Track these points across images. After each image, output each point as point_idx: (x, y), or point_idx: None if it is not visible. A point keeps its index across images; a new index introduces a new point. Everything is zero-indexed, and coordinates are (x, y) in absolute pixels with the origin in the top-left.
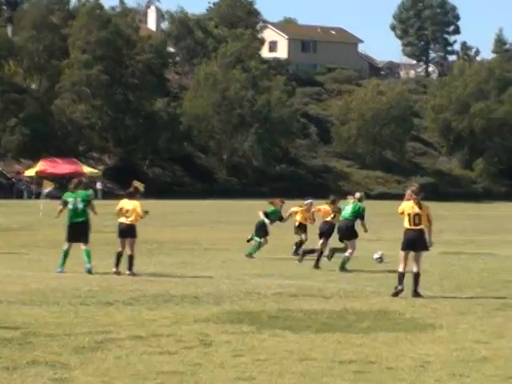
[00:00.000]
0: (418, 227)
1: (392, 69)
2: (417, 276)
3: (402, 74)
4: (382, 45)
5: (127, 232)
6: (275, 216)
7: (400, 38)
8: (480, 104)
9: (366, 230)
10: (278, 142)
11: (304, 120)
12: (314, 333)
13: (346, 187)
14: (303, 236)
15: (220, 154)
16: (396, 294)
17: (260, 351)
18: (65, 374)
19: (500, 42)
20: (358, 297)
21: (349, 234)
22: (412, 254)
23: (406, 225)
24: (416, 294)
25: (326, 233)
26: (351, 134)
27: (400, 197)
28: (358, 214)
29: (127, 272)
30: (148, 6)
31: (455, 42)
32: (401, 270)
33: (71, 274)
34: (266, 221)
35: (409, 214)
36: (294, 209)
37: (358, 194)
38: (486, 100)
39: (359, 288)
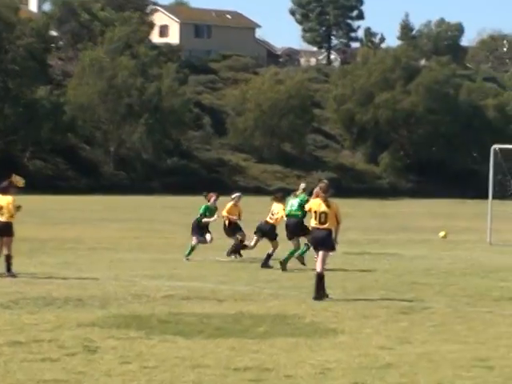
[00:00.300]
0: (324, 226)
1: (291, 56)
2: (320, 277)
3: (302, 61)
4: (281, 30)
5: (3, 230)
6: (211, 214)
7: (300, 23)
8: (385, 94)
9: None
10: (169, 133)
11: (197, 110)
12: (207, 338)
13: (242, 182)
14: (239, 235)
15: (107, 146)
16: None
17: (149, 358)
18: None
19: (406, 28)
20: (255, 300)
21: (298, 231)
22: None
23: (313, 223)
24: (319, 295)
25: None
26: (247, 125)
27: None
28: (303, 206)
29: (5, 273)
30: None
31: (359, 27)
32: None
33: None
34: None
35: (315, 212)
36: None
37: (302, 185)
38: (392, 90)
39: (256, 290)
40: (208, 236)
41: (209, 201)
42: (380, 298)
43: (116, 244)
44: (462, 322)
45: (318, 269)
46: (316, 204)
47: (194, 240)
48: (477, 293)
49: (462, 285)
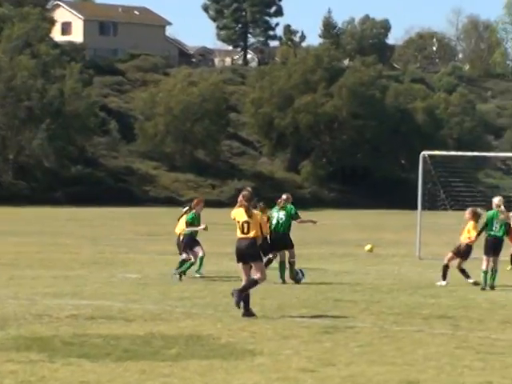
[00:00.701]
0: (247, 236)
1: (205, 56)
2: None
3: (217, 61)
4: (194, 28)
5: None
6: (198, 222)
7: (214, 20)
8: (306, 97)
9: (314, 221)
10: (72, 139)
11: (103, 114)
12: (115, 361)
13: (153, 192)
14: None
15: (5, 154)
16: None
17: (52, 383)
18: None
19: (328, 25)
20: (166, 319)
21: (288, 242)
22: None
23: (238, 233)
24: (248, 312)
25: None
26: (158, 130)
27: (214, 204)
28: (292, 216)
29: None
30: None
31: (277, 25)
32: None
33: None
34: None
35: (238, 222)
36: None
37: (284, 196)
38: (313, 93)
39: (167, 309)
40: (200, 251)
41: (194, 208)
42: (301, 317)
43: (15, 259)
44: (389, 342)
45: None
46: (239, 213)
47: (190, 256)
48: (405, 310)
49: (389, 302)
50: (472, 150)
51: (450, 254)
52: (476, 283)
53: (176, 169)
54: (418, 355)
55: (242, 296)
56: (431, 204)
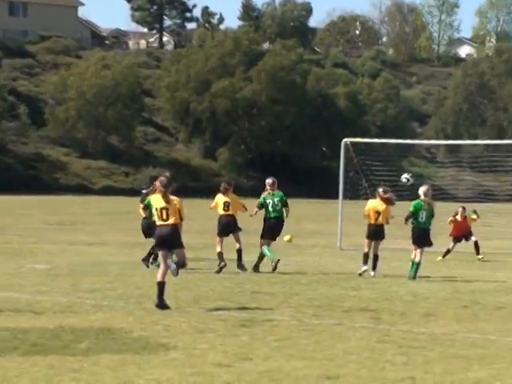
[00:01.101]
0: (167, 222)
1: (119, 38)
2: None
3: (131, 44)
4: (107, 9)
5: None
6: None
7: (128, 1)
8: (223, 81)
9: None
10: None
11: (12, 98)
12: (22, 356)
13: (64, 180)
14: None
15: None
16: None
17: None
18: None
19: (248, 7)
20: (77, 312)
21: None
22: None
23: (156, 220)
24: (161, 304)
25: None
26: (69, 115)
27: (128, 192)
28: (284, 202)
29: None
30: None
31: (195, 6)
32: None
33: None
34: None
35: (157, 209)
36: None
37: (270, 180)
38: (231, 77)
39: (78, 301)
40: None
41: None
42: (217, 309)
43: None
44: (308, 336)
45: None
46: (157, 200)
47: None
48: (325, 303)
49: (309, 294)
50: (396, 137)
51: (366, 241)
52: (360, 275)
53: (88, 155)
54: (337, 349)
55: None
56: (353, 193)
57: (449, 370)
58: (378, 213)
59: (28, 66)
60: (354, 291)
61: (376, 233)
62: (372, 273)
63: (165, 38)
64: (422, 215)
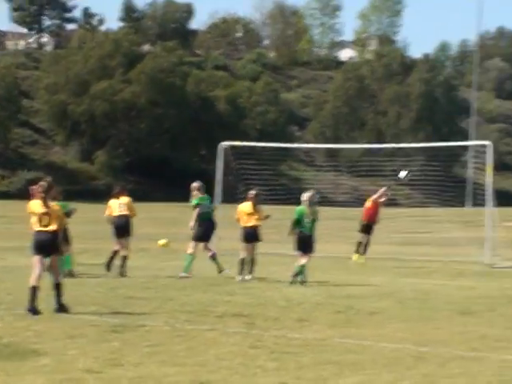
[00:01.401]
0: (47, 228)
1: None
2: (58, 286)
3: (10, 44)
4: None
5: None
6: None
7: (8, 0)
8: (102, 83)
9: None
10: None
11: None
12: None
13: None
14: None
15: None
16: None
17: None
18: None
19: (129, 9)
20: None
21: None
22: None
23: (36, 226)
24: (60, 307)
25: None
26: None
27: (2, 195)
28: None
29: None
30: None
31: (75, 7)
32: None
33: None
34: None
35: (36, 214)
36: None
37: (197, 184)
38: (110, 79)
39: None
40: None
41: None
42: (90, 314)
43: None
44: (181, 342)
45: (54, 279)
46: (35, 205)
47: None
48: (199, 308)
49: (183, 299)
50: (275, 141)
51: (242, 245)
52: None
53: None
54: (210, 355)
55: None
56: (231, 197)
57: (321, 376)
58: (249, 215)
59: None
60: (228, 296)
61: (250, 235)
62: (246, 277)
63: (44, 39)
64: (306, 221)
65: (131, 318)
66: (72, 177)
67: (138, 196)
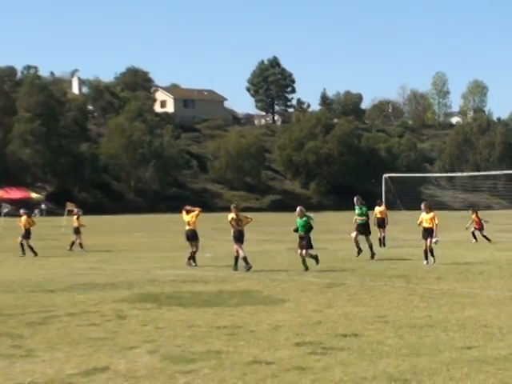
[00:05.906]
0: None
1: (249, 118)
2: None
3: (256, 122)
4: (241, 101)
5: None
6: None
7: (253, 96)
8: (311, 143)
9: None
10: (169, 172)
11: (187, 156)
12: (198, 307)
13: (220, 204)
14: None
15: (129, 182)
16: None
17: (160, 321)
18: (20, 342)
19: (324, 98)
20: (230, 281)
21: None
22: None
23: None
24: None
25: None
26: (222, 165)
27: (256, 209)
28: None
29: None
30: (72, 76)
31: (292, 98)
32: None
33: (24, 270)
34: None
35: (234, 220)
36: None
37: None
38: (315, 140)
39: (230, 275)
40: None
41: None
42: (312, 277)
43: (135, 246)
44: (367, 292)
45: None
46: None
47: None
48: (376, 272)
49: (367, 268)
50: (415, 173)
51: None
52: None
53: (234, 188)
54: (384, 300)
55: None
56: (391, 206)
57: (452, 310)
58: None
59: (196, 137)
60: (392, 265)
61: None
62: (428, 263)
63: (276, 118)
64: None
65: (336, 279)
66: (297, 197)
67: (338, 208)
